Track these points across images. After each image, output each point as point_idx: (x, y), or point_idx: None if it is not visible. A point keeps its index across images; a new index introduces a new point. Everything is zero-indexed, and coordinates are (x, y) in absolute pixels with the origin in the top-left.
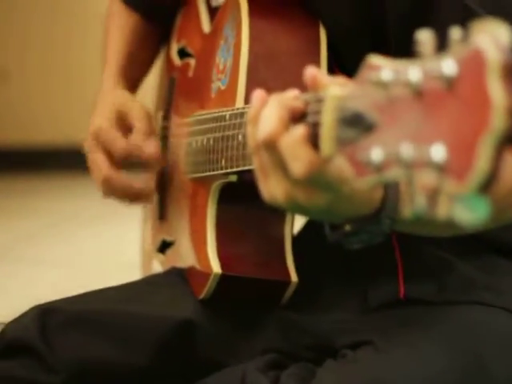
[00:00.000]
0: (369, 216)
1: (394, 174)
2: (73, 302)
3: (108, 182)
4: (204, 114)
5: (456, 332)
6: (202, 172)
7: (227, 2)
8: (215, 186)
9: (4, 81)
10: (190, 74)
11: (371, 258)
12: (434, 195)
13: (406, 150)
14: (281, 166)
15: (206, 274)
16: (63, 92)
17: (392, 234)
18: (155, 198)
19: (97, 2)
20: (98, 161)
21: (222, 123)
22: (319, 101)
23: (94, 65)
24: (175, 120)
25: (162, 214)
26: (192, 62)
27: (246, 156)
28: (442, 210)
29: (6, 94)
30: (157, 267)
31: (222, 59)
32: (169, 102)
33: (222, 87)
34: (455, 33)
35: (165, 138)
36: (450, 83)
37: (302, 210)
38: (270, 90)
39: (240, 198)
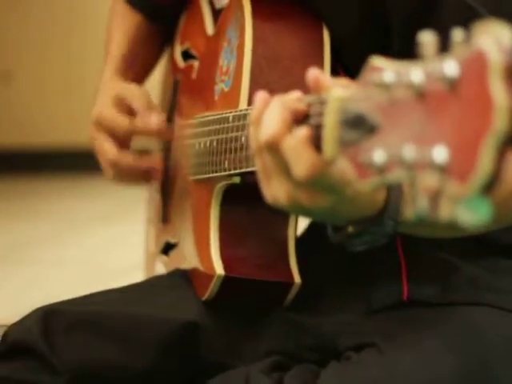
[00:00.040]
0: (372, 217)
1: (397, 175)
2: (76, 304)
3: (115, 165)
4: (207, 116)
5: (460, 333)
6: (206, 173)
7: (231, 3)
8: (218, 188)
9: (4, 83)
10: (194, 75)
11: (374, 260)
12: (436, 197)
13: (409, 152)
14: (283, 167)
15: (209, 276)
16: (63, 94)
17: (396, 235)
18: (158, 199)
19: (97, 4)
20: (103, 146)
21: (225, 125)
22: (322, 103)
23: (94, 67)
24: (179, 122)
25: (166, 216)
26: (196, 63)
27: (249, 158)
28: (445, 212)
29: (6, 96)
30: (160, 269)
31: (225, 61)
32: (172, 104)
33: (226, 89)
34: (457, 34)
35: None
36: (453, 85)
37: (305, 212)
38: (274, 91)
39: (243, 199)
